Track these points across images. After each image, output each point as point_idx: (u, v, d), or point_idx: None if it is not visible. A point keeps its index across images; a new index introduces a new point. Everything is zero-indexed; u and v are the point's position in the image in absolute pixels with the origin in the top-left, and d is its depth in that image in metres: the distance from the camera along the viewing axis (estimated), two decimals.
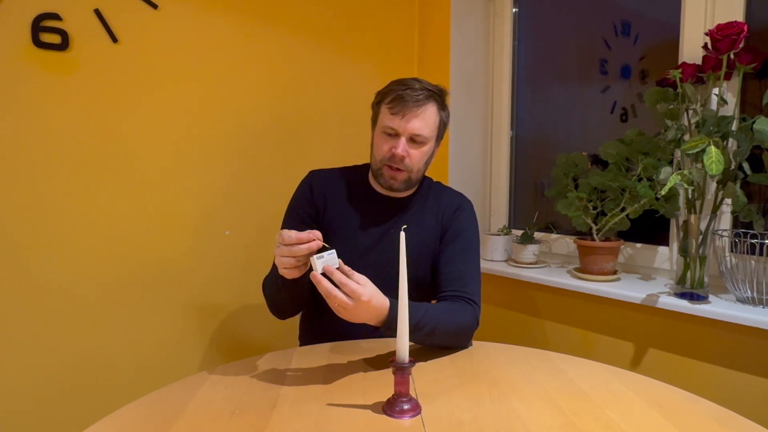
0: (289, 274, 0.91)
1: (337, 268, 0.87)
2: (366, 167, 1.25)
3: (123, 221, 1.41)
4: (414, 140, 1.12)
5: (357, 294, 0.86)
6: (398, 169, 1.13)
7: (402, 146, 1.11)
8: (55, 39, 1.28)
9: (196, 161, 1.52)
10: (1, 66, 1.23)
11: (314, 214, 1.19)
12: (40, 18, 1.25)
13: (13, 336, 1.27)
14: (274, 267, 1.15)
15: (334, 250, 0.87)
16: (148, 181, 1.44)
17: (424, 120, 1.11)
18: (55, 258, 1.32)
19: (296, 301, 1.12)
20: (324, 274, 0.85)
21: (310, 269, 0.86)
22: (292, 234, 0.87)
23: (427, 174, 1.29)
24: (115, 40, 1.36)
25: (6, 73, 1.23)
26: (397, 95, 1.10)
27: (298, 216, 1.18)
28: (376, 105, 1.17)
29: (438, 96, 1.14)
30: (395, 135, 1.12)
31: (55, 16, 1.28)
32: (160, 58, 1.44)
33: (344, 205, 1.19)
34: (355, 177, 1.24)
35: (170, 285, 1.50)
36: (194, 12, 1.48)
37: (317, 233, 0.88)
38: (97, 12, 1.33)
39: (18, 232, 1.27)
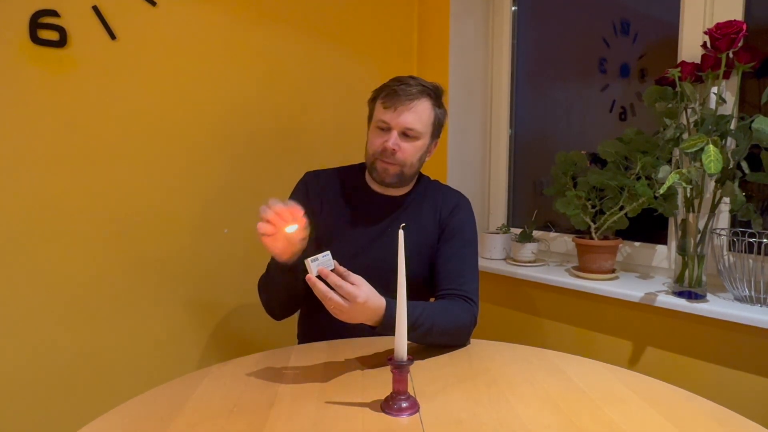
0: (271, 244, 0.93)
1: (333, 270, 0.87)
2: (363, 166, 1.25)
3: (121, 219, 1.41)
4: (406, 134, 1.12)
5: (352, 296, 0.86)
6: (389, 163, 1.13)
7: (393, 139, 1.11)
8: (53, 36, 1.28)
9: (195, 159, 1.52)
10: None
11: (311, 215, 1.19)
12: (38, 15, 1.25)
13: (10, 333, 1.27)
14: (270, 265, 1.15)
15: (328, 252, 0.87)
16: (146, 178, 1.44)
17: (416, 114, 1.11)
18: (53, 256, 1.31)
19: (289, 297, 1.12)
20: (319, 277, 0.86)
21: (305, 271, 0.86)
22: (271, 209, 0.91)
23: (426, 172, 1.29)
24: (113, 37, 1.36)
25: (3, 70, 1.23)
26: (391, 90, 1.12)
27: None
28: (372, 101, 1.18)
29: (433, 92, 1.15)
30: (387, 129, 1.12)
31: (53, 13, 1.27)
32: (159, 55, 1.43)
33: (341, 204, 1.19)
34: (351, 176, 1.24)
35: (169, 283, 1.50)
36: (193, 9, 1.48)
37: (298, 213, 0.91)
38: (96, 9, 1.32)
39: (16, 229, 1.26)
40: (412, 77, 1.15)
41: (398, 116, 1.11)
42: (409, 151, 1.13)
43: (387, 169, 1.14)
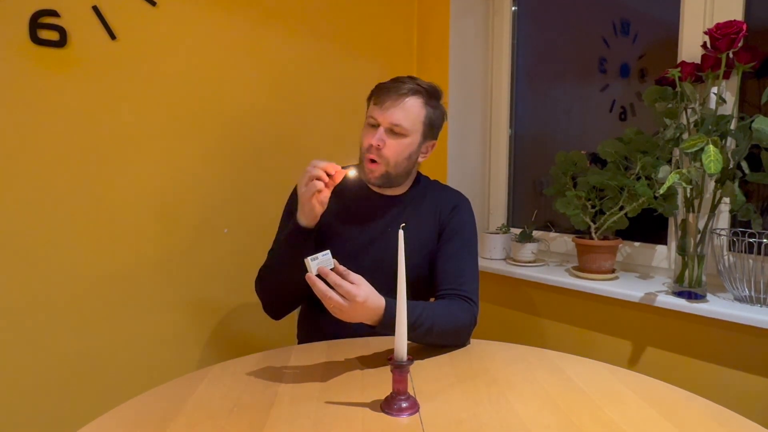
0: (316, 203, 1.00)
1: (332, 269, 0.87)
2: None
3: (121, 219, 1.41)
4: (393, 131, 1.12)
5: (352, 295, 0.86)
6: (375, 162, 1.13)
7: (379, 135, 1.11)
8: (53, 36, 1.28)
9: (195, 159, 1.52)
10: None
11: None
12: (38, 15, 1.25)
13: (10, 333, 1.27)
14: (271, 255, 1.16)
15: (328, 251, 0.87)
16: (146, 178, 1.44)
17: (404, 111, 1.11)
18: (53, 255, 1.31)
19: (289, 293, 1.12)
20: (319, 276, 0.86)
21: (305, 271, 0.86)
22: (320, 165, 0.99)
23: (426, 172, 1.28)
24: (113, 37, 1.36)
25: (4, 69, 1.23)
26: (384, 87, 1.13)
27: None
28: (368, 100, 1.19)
29: (426, 92, 1.14)
30: (376, 125, 1.12)
31: (53, 13, 1.27)
32: (159, 55, 1.43)
33: (341, 204, 1.19)
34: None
35: (169, 283, 1.50)
36: (192, 9, 1.48)
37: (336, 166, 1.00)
38: (96, 9, 1.32)
39: (15, 229, 1.26)
40: (410, 77, 1.15)
41: (385, 112, 1.11)
42: (394, 149, 1.12)
43: (372, 170, 1.14)
